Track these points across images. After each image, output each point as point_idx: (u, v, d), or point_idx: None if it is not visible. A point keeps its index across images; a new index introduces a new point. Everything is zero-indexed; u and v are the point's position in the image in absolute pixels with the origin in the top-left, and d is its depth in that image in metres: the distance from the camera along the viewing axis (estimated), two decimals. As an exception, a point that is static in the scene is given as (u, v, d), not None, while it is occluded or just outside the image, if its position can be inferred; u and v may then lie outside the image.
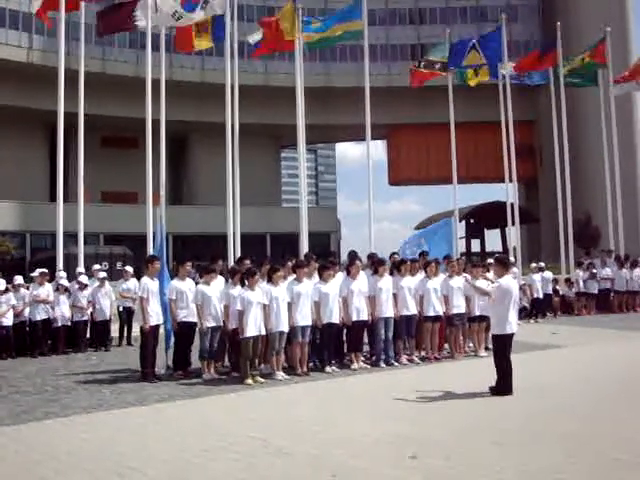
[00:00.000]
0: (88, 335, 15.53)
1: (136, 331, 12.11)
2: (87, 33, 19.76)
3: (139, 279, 12.00)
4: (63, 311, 14.82)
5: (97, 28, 18.61)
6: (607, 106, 27.58)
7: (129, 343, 15.99)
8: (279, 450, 6.61)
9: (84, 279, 15.61)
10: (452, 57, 24.14)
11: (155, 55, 19.11)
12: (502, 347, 9.26)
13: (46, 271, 14.92)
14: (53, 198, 20.12)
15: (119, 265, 20.51)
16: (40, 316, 14.43)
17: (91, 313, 15.49)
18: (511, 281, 9.60)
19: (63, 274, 15.66)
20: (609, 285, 22.64)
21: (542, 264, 22.36)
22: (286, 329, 10.99)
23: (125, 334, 16.30)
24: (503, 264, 9.78)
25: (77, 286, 15.33)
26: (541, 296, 20.75)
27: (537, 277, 20.94)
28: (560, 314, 21.92)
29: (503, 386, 9.04)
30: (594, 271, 22.50)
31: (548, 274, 21.84)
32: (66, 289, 15.06)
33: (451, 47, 24.47)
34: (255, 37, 20.49)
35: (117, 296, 16.33)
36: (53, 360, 13.75)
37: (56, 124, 18.13)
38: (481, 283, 12.51)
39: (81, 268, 16.64)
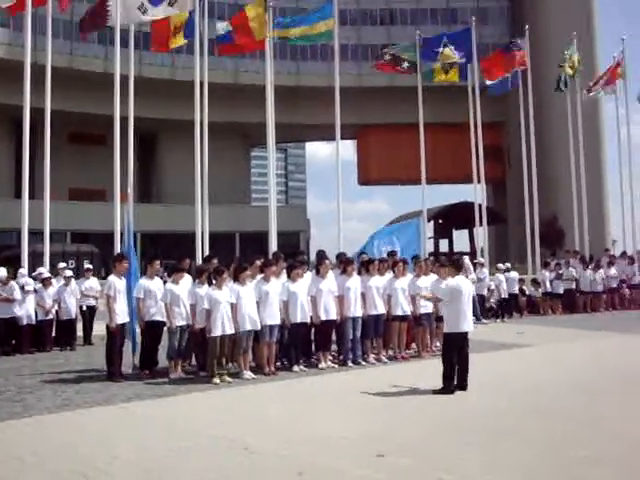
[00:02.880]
0: (54, 334, 15.33)
1: (102, 330, 11.98)
2: (54, 27, 19.50)
3: (105, 278, 11.89)
4: (28, 310, 14.61)
5: (80, 29, 18.43)
6: (574, 109, 28.01)
7: (89, 342, 15.78)
8: (246, 449, 6.59)
9: (47, 275, 15.45)
10: (424, 52, 24.17)
11: (124, 51, 18.92)
12: (450, 345, 9.41)
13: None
14: (18, 194, 19.78)
15: (86, 263, 20.27)
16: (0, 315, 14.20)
17: (56, 312, 15.30)
18: (462, 281, 9.82)
19: (24, 272, 15.44)
20: (574, 285, 22.97)
21: (508, 264, 22.64)
22: (254, 328, 10.97)
23: (87, 333, 16.08)
24: (455, 266, 10.18)
25: (41, 284, 15.14)
26: (506, 296, 20.99)
27: (503, 277, 21.16)
28: (527, 314, 22.19)
29: (444, 386, 9.18)
30: (560, 271, 22.81)
31: (514, 274, 22.09)
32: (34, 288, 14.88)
33: (423, 45, 24.41)
34: (224, 26, 20.22)
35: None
36: (17, 360, 13.54)
37: (22, 119, 17.86)
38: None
39: (42, 269, 16.34)
